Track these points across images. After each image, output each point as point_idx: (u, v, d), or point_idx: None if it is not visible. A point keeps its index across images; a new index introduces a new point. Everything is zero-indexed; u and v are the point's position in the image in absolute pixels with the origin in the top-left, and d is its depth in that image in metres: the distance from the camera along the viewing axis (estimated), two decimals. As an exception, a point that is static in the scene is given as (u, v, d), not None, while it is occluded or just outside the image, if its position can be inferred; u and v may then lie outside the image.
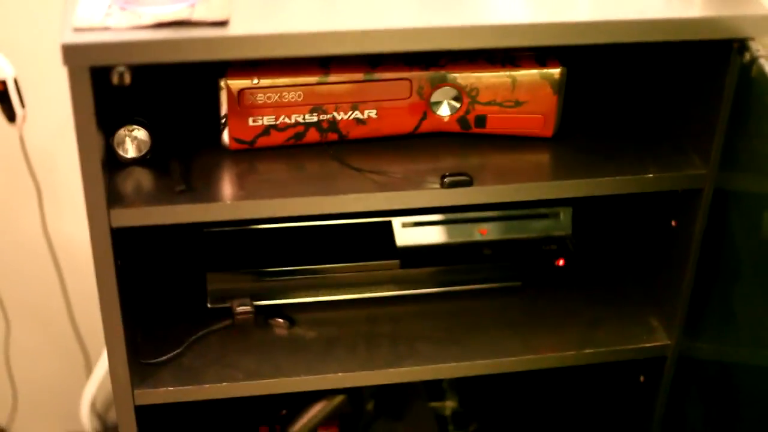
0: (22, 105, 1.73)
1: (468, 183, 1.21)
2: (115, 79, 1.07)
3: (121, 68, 1.07)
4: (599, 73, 1.48)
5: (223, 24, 1.08)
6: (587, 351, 1.37)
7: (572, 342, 1.39)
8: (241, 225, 1.41)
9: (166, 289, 1.46)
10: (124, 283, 1.28)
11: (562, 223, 1.44)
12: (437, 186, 1.21)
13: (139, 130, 1.22)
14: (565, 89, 1.28)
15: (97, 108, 1.13)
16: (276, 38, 1.08)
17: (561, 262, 1.44)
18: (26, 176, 1.82)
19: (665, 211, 1.36)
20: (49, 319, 2.02)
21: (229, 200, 1.19)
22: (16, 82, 1.71)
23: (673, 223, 1.34)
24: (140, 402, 1.31)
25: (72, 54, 1.05)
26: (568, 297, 1.46)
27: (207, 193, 1.20)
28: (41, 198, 1.84)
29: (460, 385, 1.67)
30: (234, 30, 1.07)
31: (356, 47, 1.11)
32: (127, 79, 1.07)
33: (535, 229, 1.43)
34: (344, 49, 1.11)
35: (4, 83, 1.72)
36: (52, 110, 1.77)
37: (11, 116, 1.75)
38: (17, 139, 1.78)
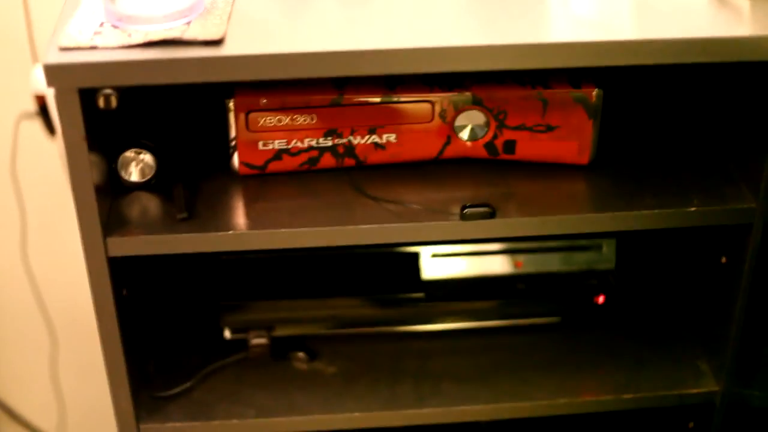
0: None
1: (490, 215, 1.12)
2: (101, 103, 1.01)
3: (108, 90, 1.00)
4: (638, 96, 1.37)
5: (217, 43, 1.00)
6: (628, 396, 1.27)
7: (612, 386, 1.29)
8: (261, 251, 1.33)
9: (182, 317, 1.39)
10: (133, 312, 1.22)
11: (605, 257, 1.33)
12: (457, 218, 1.12)
13: (145, 153, 1.16)
14: (602, 113, 1.17)
15: (100, 129, 1.07)
16: (273, 59, 1.00)
17: (601, 299, 1.33)
18: (67, 189, 1.78)
19: (716, 245, 1.25)
20: (95, 333, 1.97)
21: (233, 230, 1.12)
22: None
23: (724, 259, 1.23)
24: (147, 437, 1.25)
25: (55, 75, 0.99)
26: (609, 336, 1.36)
27: (212, 221, 1.13)
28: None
29: (498, 425, 1.56)
30: (228, 50, 1.00)
31: (367, 69, 1.02)
32: (114, 102, 1.01)
33: (575, 262, 1.32)
34: (352, 71, 1.02)
35: (43, 98, 1.69)
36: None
37: (51, 130, 1.73)
38: (58, 153, 1.75)
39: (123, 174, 1.16)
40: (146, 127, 1.23)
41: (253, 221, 1.13)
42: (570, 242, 1.32)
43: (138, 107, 1.21)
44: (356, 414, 1.25)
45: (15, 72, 1.67)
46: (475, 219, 1.12)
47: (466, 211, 1.12)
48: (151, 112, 1.29)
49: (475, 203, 1.13)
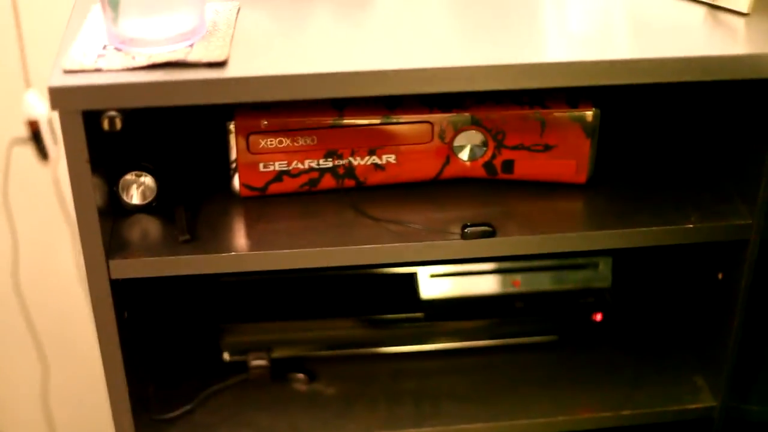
0: (56, 144, 1.71)
1: (491, 234, 1.13)
2: (105, 125, 1.01)
3: (112, 113, 1.01)
4: (635, 114, 1.38)
5: (220, 65, 1.01)
6: (626, 412, 1.28)
7: (610, 402, 1.29)
8: (260, 273, 1.34)
9: (182, 340, 1.39)
10: (132, 334, 1.22)
11: (602, 274, 1.34)
12: (458, 237, 1.13)
13: (145, 176, 1.16)
14: (599, 132, 1.19)
15: (101, 152, 1.08)
16: (278, 80, 1.01)
17: (598, 317, 1.34)
18: (59, 215, 1.79)
19: (712, 261, 1.26)
20: (86, 360, 1.98)
21: (235, 251, 1.12)
22: (51, 120, 1.68)
23: (720, 275, 1.24)
24: (148, 461, 1.24)
25: (59, 97, 0.99)
26: (606, 354, 1.37)
27: (213, 243, 1.13)
28: (75, 237, 1.80)
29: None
30: (231, 72, 1.01)
31: (367, 90, 1.03)
32: (119, 125, 1.01)
33: (572, 280, 1.34)
34: (353, 92, 1.03)
35: (36, 123, 1.70)
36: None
37: (44, 155, 1.73)
38: (51, 179, 1.76)
39: (124, 197, 1.17)
40: (146, 149, 1.23)
41: (255, 242, 1.14)
42: (567, 261, 1.33)
43: (138, 130, 1.22)
44: (357, 434, 1.26)
45: (7, 97, 1.67)
46: (476, 238, 1.13)
47: (466, 230, 1.13)
48: (152, 135, 1.29)
49: (476, 222, 1.14)
